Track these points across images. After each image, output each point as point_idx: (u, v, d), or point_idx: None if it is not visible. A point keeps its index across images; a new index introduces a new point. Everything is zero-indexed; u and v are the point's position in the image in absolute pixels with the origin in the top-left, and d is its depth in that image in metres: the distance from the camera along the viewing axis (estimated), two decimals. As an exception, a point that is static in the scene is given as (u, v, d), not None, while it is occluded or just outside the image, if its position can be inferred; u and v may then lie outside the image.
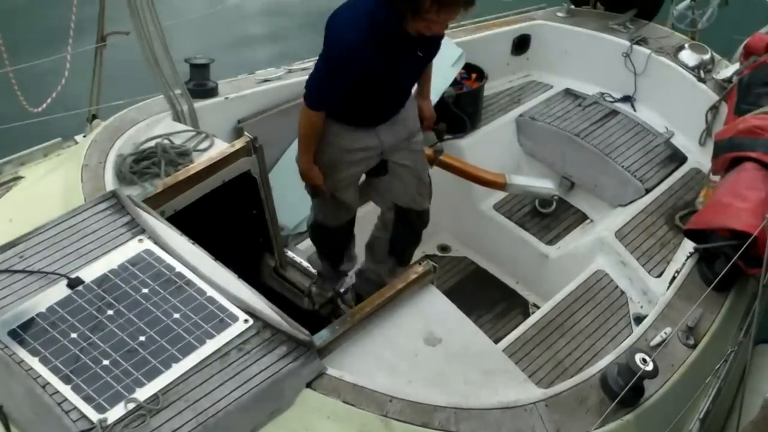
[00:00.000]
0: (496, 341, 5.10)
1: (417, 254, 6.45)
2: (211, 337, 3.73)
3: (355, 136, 4.71)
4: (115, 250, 4.12)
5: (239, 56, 9.73)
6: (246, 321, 3.81)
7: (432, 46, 4.58)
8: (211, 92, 5.80)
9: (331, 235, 5.19)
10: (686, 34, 7.35)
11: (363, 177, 5.03)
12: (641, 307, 5.48)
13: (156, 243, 4.15)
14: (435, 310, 4.25)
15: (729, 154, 5.38)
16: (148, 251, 4.11)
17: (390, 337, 4.05)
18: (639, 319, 5.27)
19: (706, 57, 6.79)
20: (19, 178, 5.60)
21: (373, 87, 4.49)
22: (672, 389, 4.36)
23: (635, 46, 7.03)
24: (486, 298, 6.38)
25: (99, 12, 5.59)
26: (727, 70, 6.58)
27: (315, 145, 4.68)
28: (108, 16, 5.74)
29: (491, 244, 6.71)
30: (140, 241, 4.16)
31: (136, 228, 4.24)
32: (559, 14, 7.53)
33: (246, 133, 5.07)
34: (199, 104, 5.62)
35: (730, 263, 4.63)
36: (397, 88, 4.69)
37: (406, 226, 5.11)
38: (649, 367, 4.00)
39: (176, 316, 3.80)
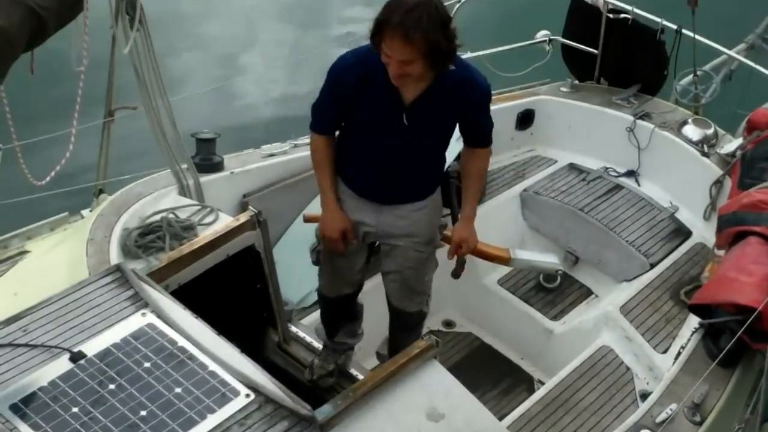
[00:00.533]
0: (501, 418, 5.07)
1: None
2: (213, 411, 3.71)
3: (356, 204, 4.74)
4: (118, 323, 4.11)
5: (245, 131, 9.77)
6: (248, 396, 3.79)
7: (423, 122, 4.45)
8: (217, 166, 5.84)
9: (328, 305, 5.19)
10: (689, 109, 7.40)
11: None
12: (647, 383, 5.45)
13: (159, 317, 4.15)
14: (438, 385, 4.22)
15: (733, 229, 5.40)
16: (151, 325, 4.10)
17: (393, 412, 4.02)
18: (645, 396, 5.22)
19: (710, 132, 6.83)
20: (26, 252, 5.62)
21: (358, 129, 4.58)
22: (679, 467, 4.32)
23: (639, 121, 7.08)
24: (490, 374, 6.33)
25: (107, 87, 5.64)
26: (731, 144, 6.61)
27: (327, 175, 4.70)
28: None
29: (496, 319, 6.68)
30: (143, 315, 4.16)
31: (140, 302, 4.24)
32: (563, 89, 7.58)
33: (251, 207, 5.09)
34: (205, 178, 5.66)
35: (735, 338, 4.62)
36: (386, 153, 4.59)
37: (396, 320, 5.10)
38: (655, 444, 3.98)
39: (178, 390, 3.79)
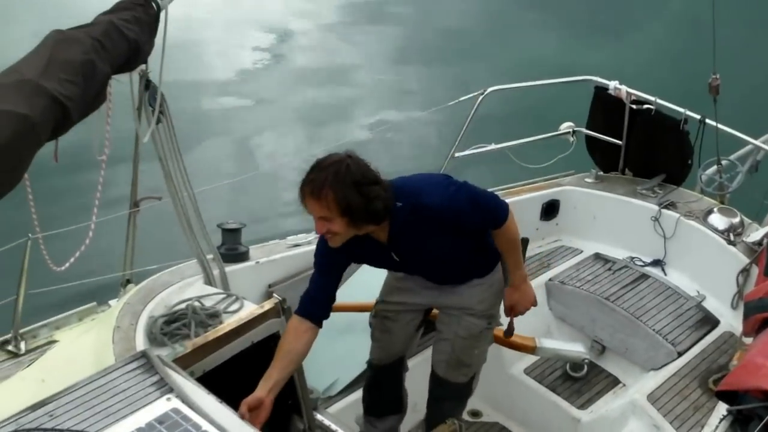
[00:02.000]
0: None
1: (448, 419, 6.44)
2: (237, 498, 3.71)
3: (414, 282, 4.99)
4: (143, 408, 4.12)
5: (270, 222, 9.85)
6: (271, 480, 3.79)
7: (412, 253, 4.62)
8: (242, 256, 5.88)
9: (374, 373, 5.32)
10: (715, 198, 7.41)
11: None
12: (676, 474, 5.39)
13: (184, 402, 4.15)
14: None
15: (760, 315, 5.37)
16: (175, 410, 4.10)
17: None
18: (673, 484, 5.17)
19: (736, 220, 6.83)
20: (54, 341, 5.66)
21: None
22: None
23: (664, 210, 7.09)
24: (519, 465, 6.29)
25: (132, 177, 5.71)
26: (757, 233, 6.62)
27: (280, 362, 4.64)
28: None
29: (523, 408, 6.63)
30: (168, 399, 4.16)
31: (165, 387, 4.25)
32: (588, 180, 7.62)
33: (275, 295, 5.12)
34: (230, 268, 5.70)
35: (762, 424, 4.57)
36: (412, 277, 4.90)
37: (437, 388, 5.10)
38: None
39: (202, 475, 3.79)
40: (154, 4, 4.67)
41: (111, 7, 4.52)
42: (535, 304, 5.12)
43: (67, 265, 5.39)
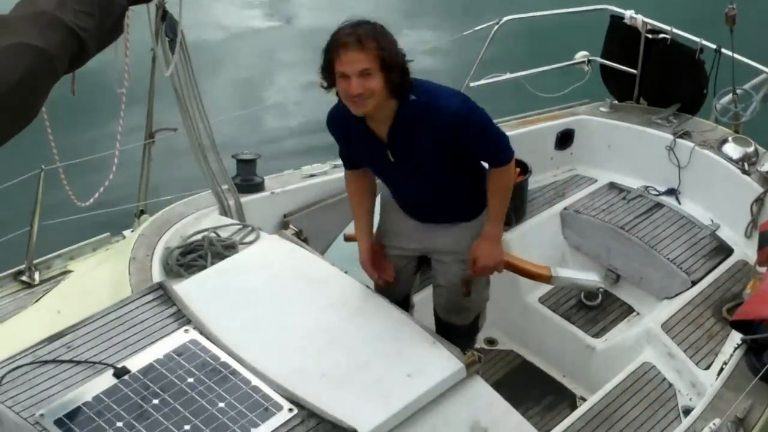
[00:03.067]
0: (546, 434, 5.07)
1: (463, 348, 6.46)
2: (256, 426, 3.76)
3: (404, 223, 4.88)
4: (161, 340, 4.18)
5: (285, 152, 9.82)
6: (290, 410, 3.84)
7: (407, 154, 4.48)
8: (258, 187, 5.87)
9: None
10: (729, 127, 7.36)
11: None
12: (690, 399, 5.39)
13: (202, 333, 4.20)
14: (481, 400, 4.24)
15: (774, 245, 5.36)
16: (193, 341, 4.15)
17: (435, 427, 4.04)
18: (688, 412, 5.16)
19: (750, 150, 6.78)
20: (68, 272, 5.70)
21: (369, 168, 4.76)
22: (724, 483, 4.26)
23: (678, 140, 7.04)
24: (533, 391, 6.27)
25: (148, 109, 5.71)
26: (773, 162, 6.58)
27: (356, 209, 4.91)
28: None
29: (537, 337, 6.65)
30: (186, 331, 4.21)
31: (182, 318, 4.30)
32: (602, 109, 7.55)
33: (292, 226, 5.15)
34: (245, 199, 5.70)
35: (777, 352, 4.59)
36: (403, 189, 4.77)
37: (442, 331, 5.08)
38: (697, 460, 3.93)
39: (221, 405, 3.83)
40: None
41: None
42: (500, 269, 4.97)
43: (91, 201, 5.42)
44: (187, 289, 4.56)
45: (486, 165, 4.69)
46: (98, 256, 5.80)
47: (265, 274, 4.76)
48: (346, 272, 4.91)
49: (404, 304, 5.09)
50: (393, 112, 4.34)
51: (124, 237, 5.87)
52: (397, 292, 4.99)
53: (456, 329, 5.08)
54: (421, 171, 4.52)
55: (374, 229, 5.03)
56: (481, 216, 4.78)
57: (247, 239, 5.20)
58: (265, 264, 4.84)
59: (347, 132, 4.55)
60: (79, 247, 5.88)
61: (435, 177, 4.58)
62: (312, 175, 6.10)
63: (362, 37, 4.08)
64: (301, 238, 5.05)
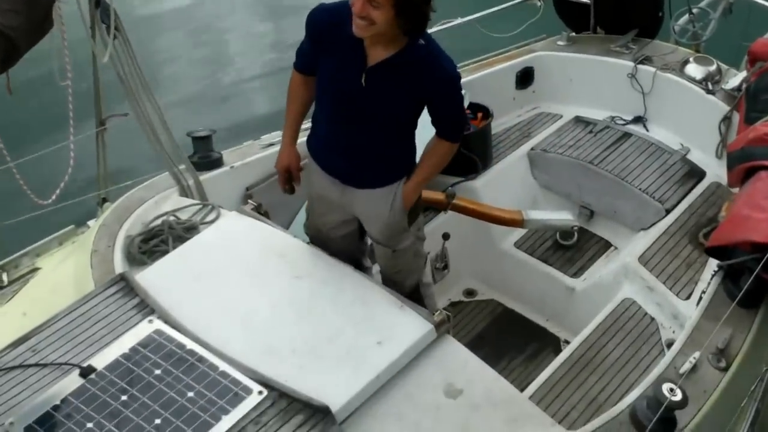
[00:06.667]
0: (529, 383, 5.01)
1: (443, 301, 6.42)
2: (227, 412, 3.70)
3: (323, 182, 4.74)
4: (125, 333, 4.12)
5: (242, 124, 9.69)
6: (260, 393, 3.79)
7: (381, 88, 4.31)
8: (216, 163, 5.76)
9: None
10: (690, 47, 7.28)
11: None
12: (673, 332, 5.33)
13: (166, 322, 4.13)
14: (454, 360, 4.17)
15: (743, 165, 5.26)
16: (158, 331, 4.09)
17: (409, 393, 3.98)
18: (671, 345, 5.11)
19: (713, 68, 6.71)
20: (37, 269, 5.62)
21: (321, 87, 4.53)
22: (706, 417, 4.19)
23: (640, 66, 6.96)
24: (517, 339, 6.24)
25: (95, 97, 5.61)
26: (736, 78, 6.50)
27: (291, 110, 4.78)
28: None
29: (516, 283, 6.60)
30: (150, 321, 4.15)
31: (146, 309, 4.25)
32: (560, 43, 7.46)
33: (250, 201, 5.09)
34: (205, 176, 5.59)
35: (753, 276, 4.50)
36: (345, 118, 4.51)
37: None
38: (677, 396, 3.84)
39: (190, 394, 3.77)
40: None
41: None
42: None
43: (54, 197, 5.34)
44: (149, 277, 4.48)
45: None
46: (65, 250, 5.72)
47: (227, 253, 4.68)
48: (308, 243, 4.84)
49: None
50: (397, 47, 4.20)
51: (89, 227, 5.77)
52: (344, 260, 4.81)
53: (404, 293, 4.97)
54: (380, 107, 4.38)
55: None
56: (395, 185, 4.65)
57: (208, 218, 5.11)
58: (226, 243, 4.75)
59: (332, 35, 4.32)
60: (45, 242, 5.79)
61: (386, 119, 4.45)
62: (271, 144, 5.99)
63: None
64: (261, 211, 4.96)
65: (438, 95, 4.33)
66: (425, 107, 4.43)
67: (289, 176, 4.90)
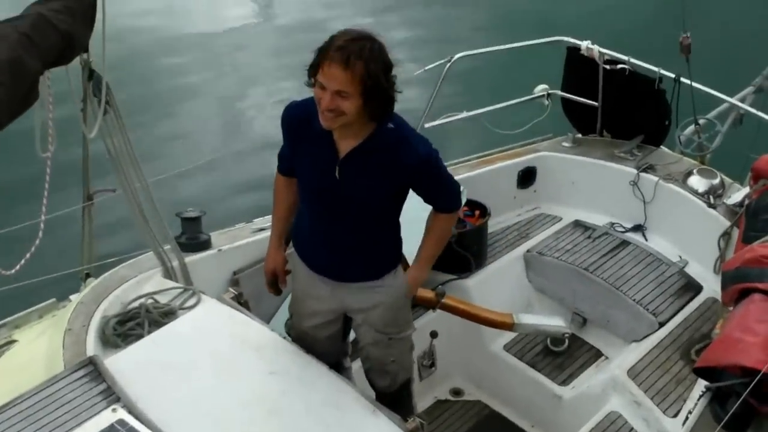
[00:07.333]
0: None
1: (429, 399, 6.30)
2: None
3: (312, 282, 4.64)
4: (89, 420, 4.02)
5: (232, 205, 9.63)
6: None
7: (355, 178, 4.23)
8: (204, 245, 5.67)
9: None
10: (695, 158, 7.21)
11: None
12: (657, 450, 5.21)
13: (130, 412, 4.02)
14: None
15: (737, 286, 5.17)
16: (120, 421, 3.98)
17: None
18: (655, 464, 5.01)
19: (716, 182, 6.64)
20: (13, 341, 5.49)
21: (301, 184, 4.49)
22: None
23: (642, 174, 6.90)
24: (501, 444, 6.13)
25: (83, 171, 5.52)
26: (738, 194, 6.44)
27: (276, 212, 4.78)
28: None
29: (504, 386, 6.46)
30: (114, 410, 4.04)
31: (112, 396, 4.15)
32: (565, 144, 7.42)
33: (231, 289, 5.00)
34: (191, 258, 5.50)
35: (740, 401, 4.39)
36: (326, 214, 4.43)
37: (376, 392, 4.94)
38: None
39: (145, 494, 3.64)
40: (89, -7, 4.46)
41: (42, -4, 4.32)
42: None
43: (18, 267, 5.21)
44: (118, 363, 4.38)
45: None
46: (43, 324, 5.60)
47: (201, 343, 4.58)
48: (284, 337, 4.73)
49: (336, 371, 4.88)
50: (365, 133, 4.15)
51: (71, 301, 5.67)
52: (326, 361, 4.71)
53: (387, 396, 4.88)
54: (358, 198, 4.29)
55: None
56: (388, 276, 4.58)
57: (188, 303, 5.01)
58: (202, 332, 4.66)
59: (303, 131, 4.29)
60: (25, 314, 5.67)
61: (366, 210, 4.36)
62: (262, 229, 5.90)
63: (351, 56, 3.85)
64: (241, 301, 4.88)
65: (417, 178, 4.25)
66: (407, 191, 4.37)
67: (275, 279, 4.82)
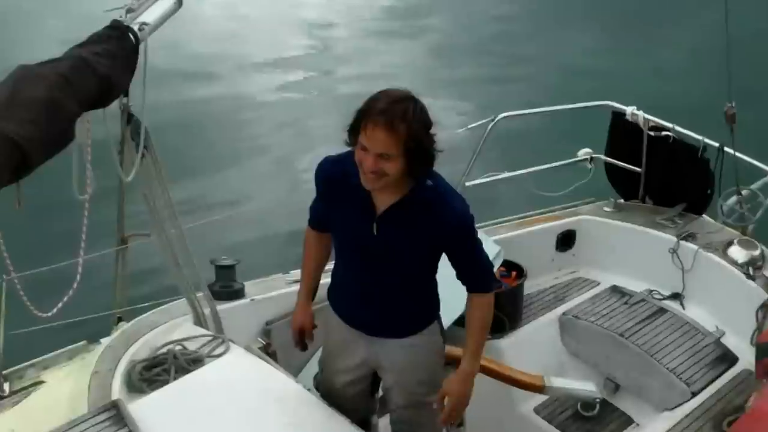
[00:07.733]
0: None
1: (456, 460, 6.22)
2: None
3: (347, 335, 4.60)
4: (108, 467, 3.99)
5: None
6: None
7: (393, 234, 4.20)
8: (237, 294, 5.69)
9: None
10: (737, 228, 7.14)
11: None
12: None
13: (151, 459, 4.00)
14: None
15: (771, 359, 5.11)
16: (140, 467, 3.95)
17: None
18: None
19: (756, 253, 6.58)
20: (41, 382, 5.49)
21: (336, 240, 4.48)
22: None
23: (682, 242, 6.86)
24: None
25: (118, 214, 5.55)
26: (778, 267, 6.36)
27: (305, 268, 4.79)
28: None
29: (533, 451, 6.39)
30: (134, 457, 4.01)
31: (134, 442, 4.11)
32: (606, 209, 7.40)
33: (260, 339, 4.98)
34: (224, 306, 5.51)
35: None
36: (361, 269, 4.41)
37: None
38: None
39: None
40: (131, 36, 4.47)
41: (85, 39, 4.34)
42: (459, 413, 4.68)
43: (55, 311, 5.22)
44: (142, 408, 4.38)
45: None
46: (72, 366, 5.59)
47: (225, 393, 4.56)
48: (309, 389, 4.70)
49: (363, 428, 4.82)
50: (404, 190, 4.12)
51: (101, 344, 5.68)
52: (353, 418, 4.66)
53: None
54: (395, 254, 4.26)
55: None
56: (424, 332, 4.54)
57: (216, 351, 5.00)
58: (227, 382, 4.65)
59: (338, 188, 4.27)
60: (54, 355, 5.66)
61: (404, 266, 4.33)
62: (297, 281, 5.88)
63: (395, 118, 3.83)
64: (270, 351, 4.86)
65: (451, 236, 4.19)
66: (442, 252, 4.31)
67: (302, 336, 4.82)
